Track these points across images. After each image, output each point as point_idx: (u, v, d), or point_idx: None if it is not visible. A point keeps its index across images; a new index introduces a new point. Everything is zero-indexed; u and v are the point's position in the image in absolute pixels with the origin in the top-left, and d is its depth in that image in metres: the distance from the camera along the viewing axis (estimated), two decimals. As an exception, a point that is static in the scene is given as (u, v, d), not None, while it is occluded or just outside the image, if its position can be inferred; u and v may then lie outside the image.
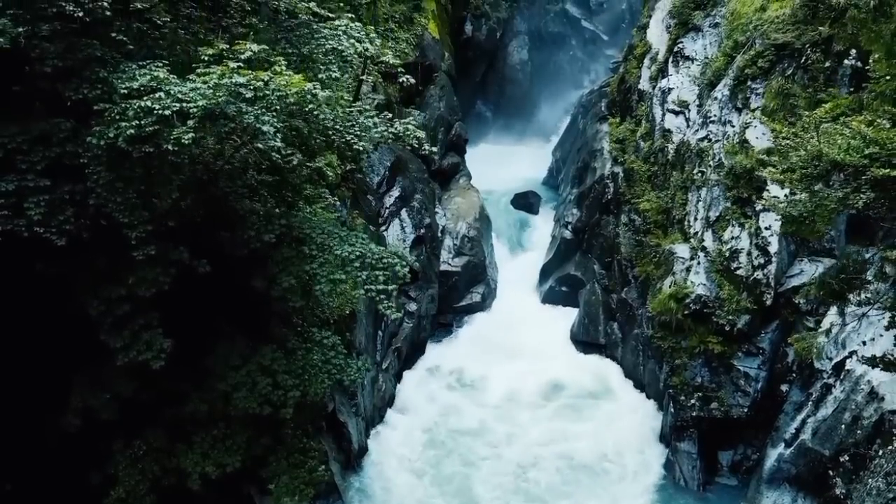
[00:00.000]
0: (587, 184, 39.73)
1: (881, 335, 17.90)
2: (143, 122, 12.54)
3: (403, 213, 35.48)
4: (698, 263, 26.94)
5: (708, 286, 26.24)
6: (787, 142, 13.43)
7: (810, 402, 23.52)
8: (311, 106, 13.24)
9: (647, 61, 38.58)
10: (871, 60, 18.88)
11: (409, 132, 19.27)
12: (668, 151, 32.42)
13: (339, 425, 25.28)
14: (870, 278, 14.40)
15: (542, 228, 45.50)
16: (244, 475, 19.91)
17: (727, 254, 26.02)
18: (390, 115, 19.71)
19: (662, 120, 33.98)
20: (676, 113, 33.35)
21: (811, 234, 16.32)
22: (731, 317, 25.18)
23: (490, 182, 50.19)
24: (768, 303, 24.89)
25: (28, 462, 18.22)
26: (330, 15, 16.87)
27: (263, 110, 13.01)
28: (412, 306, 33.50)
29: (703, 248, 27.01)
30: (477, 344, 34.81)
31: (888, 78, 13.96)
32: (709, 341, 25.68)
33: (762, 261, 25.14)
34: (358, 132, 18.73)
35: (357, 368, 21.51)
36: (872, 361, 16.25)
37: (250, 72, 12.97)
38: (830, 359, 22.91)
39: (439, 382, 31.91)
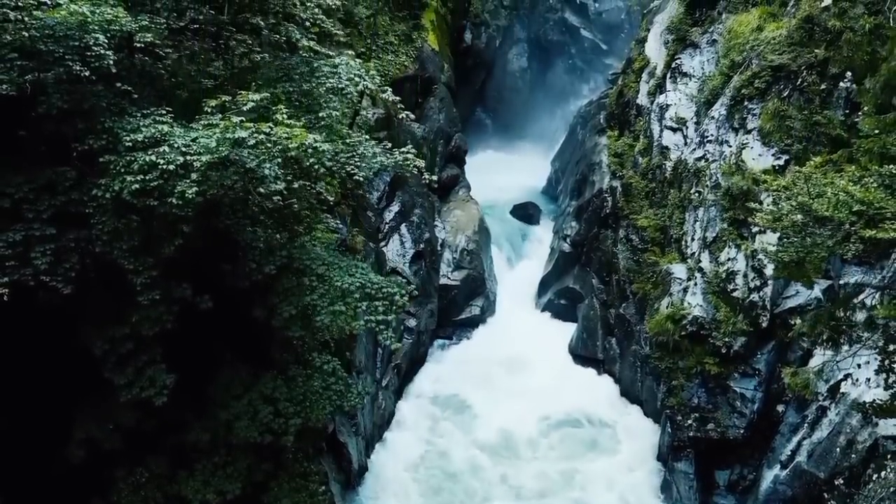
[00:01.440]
0: (586, 197, 39.94)
1: (868, 378, 18.12)
2: (147, 178, 12.77)
3: (403, 227, 35.69)
4: (695, 284, 27.17)
5: (704, 307, 26.47)
6: (777, 193, 13.65)
7: (806, 424, 23.79)
8: (311, 160, 13.46)
9: (645, 76, 38.82)
10: (860, 113, 19.09)
11: (408, 161, 19.49)
12: (665, 169, 32.66)
13: (339, 446, 25.49)
14: (860, 323, 14.64)
15: (542, 239, 45.75)
16: (245, 501, 20.14)
17: (723, 275, 26.23)
18: (390, 145, 19.85)
19: (660, 136, 34.21)
20: (674, 130, 33.57)
21: (803, 279, 16.52)
22: (727, 339, 25.40)
23: (489, 191, 50.42)
24: (764, 325, 25.09)
25: (33, 491, 18.44)
26: (329, 54, 17.08)
27: (265, 157, 13.24)
28: (412, 322, 33.72)
29: (700, 269, 27.23)
30: (476, 360, 34.88)
31: (877, 132, 14.15)
32: (706, 362, 25.89)
33: (758, 283, 25.35)
34: (358, 162, 18.98)
35: (357, 393, 21.82)
36: (862, 408, 16.47)
37: (252, 125, 13.19)
38: (827, 380, 23.14)
39: (438, 402, 32.01)
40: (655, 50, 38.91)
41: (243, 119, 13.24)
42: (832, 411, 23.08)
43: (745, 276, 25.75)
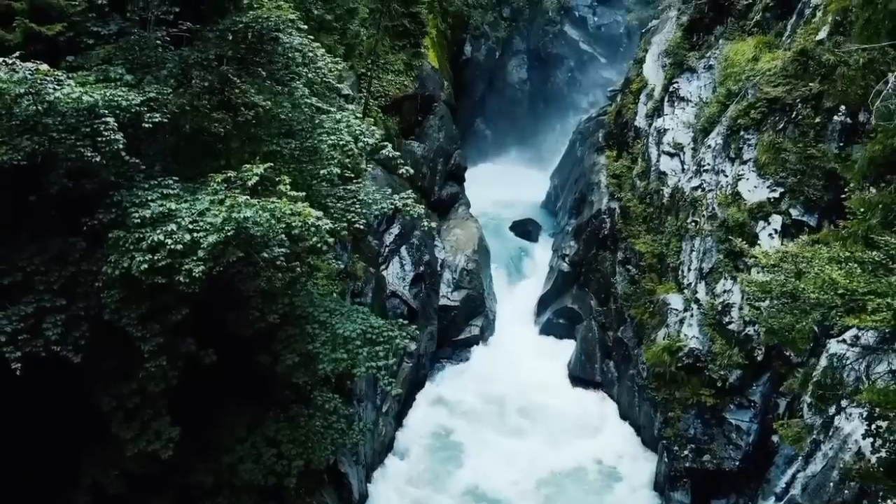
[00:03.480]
0: (584, 217, 40.32)
1: (856, 441, 18.47)
2: (156, 257, 13.13)
3: (403, 250, 36.00)
4: (691, 316, 27.53)
5: (701, 339, 26.82)
6: (766, 267, 13.98)
7: (800, 457, 24.08)
8: (314, 239, 13.83)
9: (643, 97, 39.14)
10: (846, 190, 19.42)
11: (408, 207, 19.79)
12: (663, 195, 32.99)
13: (340, 476, 25.81)
14: (850, 384, 14.99)
15: (541, 256, 46.13)
16: (248, 539, 20.49)
17: (719, 307, 26.57)
18: (390, 190, 20.18)
19: (658, 161, 34.53)
20: (671, 155, 33.90)
21: (792, 346, 16.87)
22: (723, 372, 25.76)
23: (489, 205, 50.93)
24: (759, 358, 25.44)
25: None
26: (331, 110, 17.41)
27: (270, 233, 13.59)
28: (412, 346, 33.64)
29: (697, 300, 27.58)
30: (475, 382, 35.24)
31: (862, 211, 14.48)
32: (702, 393, 26.26)
33: (753, 316, 25.65)
34: (359, 209, 19.36)
35: (359, 430, 22.19)
36: (849, 473, 16.80)
37: (257, 202, 13.53)
38: (821, 412, 23.44)
39: (437, 431, 32.23)
40: (653, 72, 39.23)
41: (248, 196, 13.57)
42: (826, 445, 23.37)
43: (741, 308, 26.08)
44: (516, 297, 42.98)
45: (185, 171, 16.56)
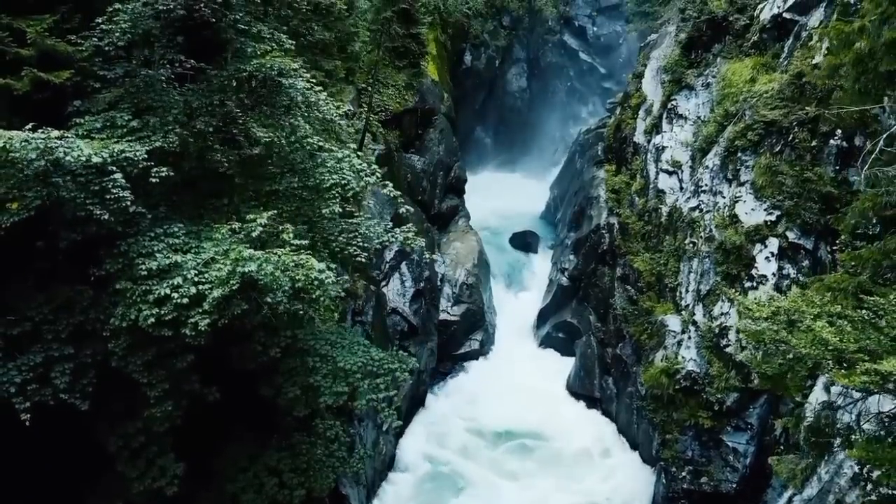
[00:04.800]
0: (584, 231, 40.58)
1: (852, 465, 18.71)
2: (162, 311, 13.41)
3: (403, 266, 36.23)
4: (689, 338, 27.78)
5: (698, 362, 27.07)
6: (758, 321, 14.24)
7: (799, 472, 24.34)
8: (318, 293, 14.09)
9: (641, 113, 39.35)
10: (837, 242, 19.65)
11: (408, 240, 20.03)
12: (661, 213, 33.23)
13: (341, 498, 26.02)
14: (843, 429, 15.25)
15: (540, 268, 46.44)
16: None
17: (717, 330, 26.82)
18: (391, 224, 20.44)
19: (656, 178, 34.78)
20: (670, 173, 34.14)
21: (786, 392, 17.13)
22: (720, 395, 26.00)
23: (489, 215, 51.15)
24: (756, 382, 25.64)
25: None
26: (333, 149, 17.67)
27: (273, 286, 13.85)
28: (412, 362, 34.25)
29: (694, 323, 27.83)
30: (474, 399, 35.45)
31: (853, 265, 14.73)
32: (699, 415, 26.50)
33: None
34: (360, 242, 19.63)
35: (360, 458, 22.45)
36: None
37: (261, 255, 13.80)
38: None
39: (436, 450, 32.43)
40: (652, 87, 39.47)
41: (252, 250, 13.84)
42: (822, 469, 23.64)
43: (738, 331, 26.30)
44: (516, 310, 43.25)
45: (189, 209, 16.85)
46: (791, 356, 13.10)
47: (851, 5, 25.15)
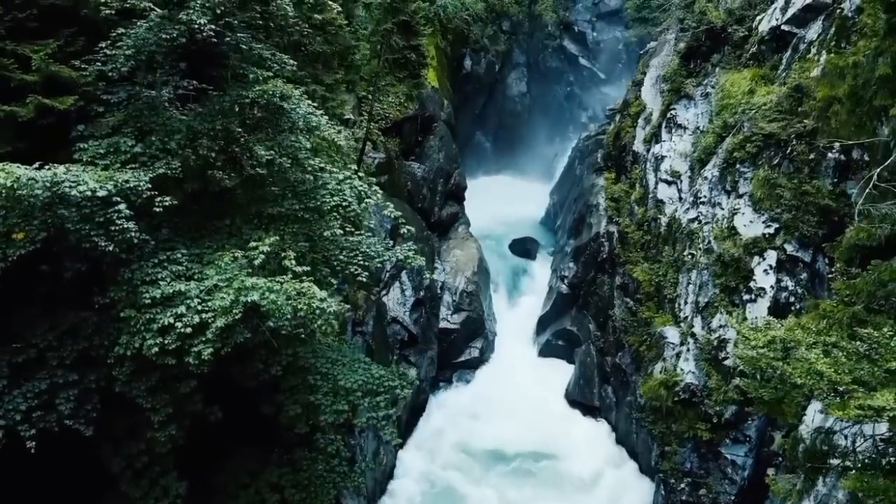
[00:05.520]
0: (583, 239, 40.71)
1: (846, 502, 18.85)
2: (166, 340, 13.57)
3: (403, 275, 36.39)
4: (688, 350, 27.94)
5: (697, 374, 27.23)
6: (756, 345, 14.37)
7: (794, 493, 24.51)
8: (319, 322, 14.25)
9: (641, 121, 39.49)
10: (832, 270, 19.79)
11: (409, 259, 20.23)
12: (660, 224, 33.38)
13: (342, 510, 26.30)
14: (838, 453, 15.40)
15: (540, 274, 46.57)
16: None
17: (715, 342, 26.99)
18: (392, 243, 20.60)
19: (656, 188, 34.94)
20: (669, 183, 34.29)
21: (782, 417, 17.27)
22: (718, 407, 26.17)
23: (489, 220, 51.23)
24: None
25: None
26: (334, 170, 17.82)
27: (276, 314, 14.02)
28: (412, 372, 34.40)
29: (693, 335, 27.98)
30: (474, 407, 35.59)
31: (847, 293, 14.88)
32: (698, 427, 26.67)
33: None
34: (361, 261, 19.78)
35: (360, 472, 22.61)
36: None
37: (264, 283, 13.96)
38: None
39: (436, 459, 32.57)
40: (651, 96, 39.63)
41: (255, 279, 14.00)
42: (820, 482, 23.78)
43: (736, 344, 26.41)
44: (516, 316, 43.41)
45: (190, 230, 16.99)
46: (787, 386, 13.25)
47: (849, 19, 25.44)
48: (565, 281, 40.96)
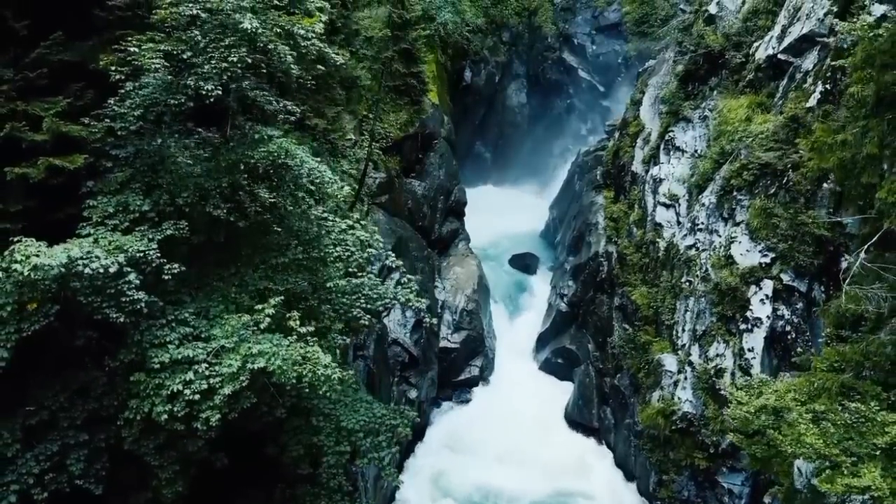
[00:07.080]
0: (583, 258, 41.08)
1: None
2: (175, 407, 13.92)
3: (404, 297, 36.61)
4: (685, 378, 28.29)
5: (694, 403, 27.60)
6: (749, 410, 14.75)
7: (790, 522, 24.93)
8: (324, 388, 14.61)
9: (639, 141, 39.84)
10: (823, 335, 20.09)
11: (410, 302, 20.60)
12: (659, 247, 33.72)
13: (344, 538, 26.60)
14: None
15: (540, 289, 46.91)
16: None
17: (712, 371, 27.33)
18: (394, 278, 20.94)
19: (654, 211, 35.26)
20: (667, 206, 34.61)
21: (775, 473, 17.62)
22: (715, 437, 26.54)
23: (489, 233, 51.51)
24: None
25: None
26: (336, 220, 18.17)
27: (281, 376, 14.40)
28: (412, 393, 34.80)
29: (690, 363, 28.34)
30: (474, 429, 35.81)
31: (837, 360, 15.22)
32: (695, 456, 27.05)
33: (745, 381, 26.40)
34: (363, 304, 20.17)
35: (362, 505, 22.99)
36: None
37: (269, 348, 14.32)
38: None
39: (436, 484, 32.91)
40: (650, 116, 39.99)
41: (261, 346, 14.37)
42: (815, 512, 24.22)
43: (733, 374, 26.86)
44: (515, 332, 43.78)
45: (195, 280, 17.31)
46: (779, 445, 13.62)
47: (844, 51, 25.73)
48: (565, 299, 41.33)
